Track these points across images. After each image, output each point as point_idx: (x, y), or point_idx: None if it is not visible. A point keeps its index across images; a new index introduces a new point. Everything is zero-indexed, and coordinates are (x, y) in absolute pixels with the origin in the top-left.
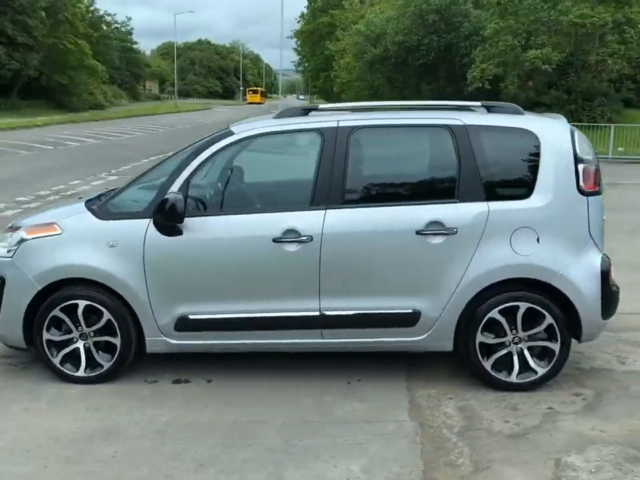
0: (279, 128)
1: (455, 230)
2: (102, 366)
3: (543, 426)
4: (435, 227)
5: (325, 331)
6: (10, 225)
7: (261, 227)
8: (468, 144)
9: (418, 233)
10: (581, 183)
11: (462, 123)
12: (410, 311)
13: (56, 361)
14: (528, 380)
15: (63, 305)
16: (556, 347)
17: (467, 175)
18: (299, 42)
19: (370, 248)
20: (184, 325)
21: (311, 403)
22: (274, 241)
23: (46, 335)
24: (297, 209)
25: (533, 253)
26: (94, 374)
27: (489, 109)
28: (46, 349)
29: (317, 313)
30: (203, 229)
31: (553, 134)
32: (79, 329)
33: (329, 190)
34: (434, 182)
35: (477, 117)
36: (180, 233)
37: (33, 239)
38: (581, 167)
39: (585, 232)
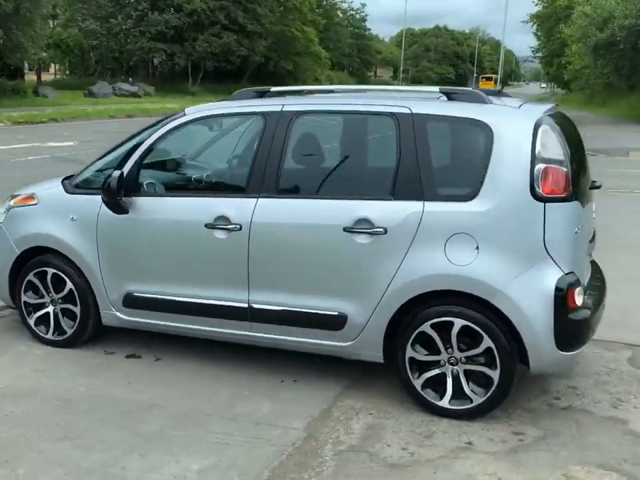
0: (227, 110)
1: (384, 230)
2: (66, 332)
3: (437, 461)
4: (363, 225)
5: (253, 324)
6: (13, 193)
7: (196, 212)
8: (411, 135)
9: (345, 229)
10: (538, 187)
11: (409, 112)
12: (336, 313)
13: (31, 321)
14: (462, 407)
15: (36, 271)
16: (494, 374)
17: (406, 169)
18: (535, 26)
19: (298, 242)
20: (130, 301)
21: (226, 395)
22: (206, 226)
23: (23, 297)
24: (232, 195)
25: (469, 263)
26: (60, 338)
27: (450, 96)
28: (23, 309)
29: (246, 305)
30: (146, 210)
31: (511, 127)
32: (50, 294)
33: (264, 177)
34: (371, 175)
35: (428, 105)
36: (126, 211)
37: (17, 206)
38: (540, 167)
39: (538, 244)
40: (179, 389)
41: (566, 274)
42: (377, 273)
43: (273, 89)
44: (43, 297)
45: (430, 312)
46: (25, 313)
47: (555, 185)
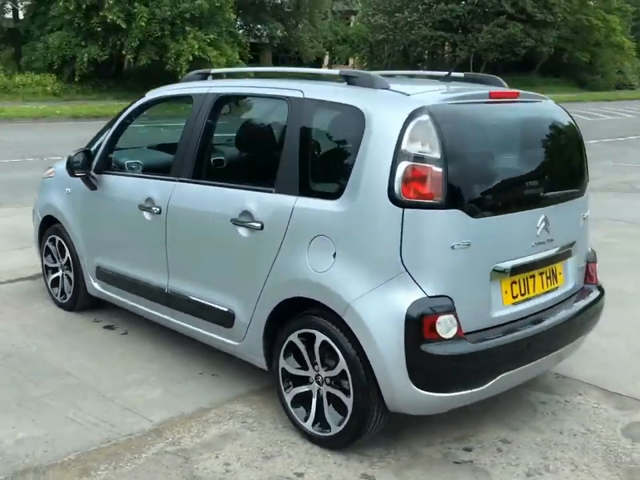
0: (170, 92)
1: (260, 225)
2: (67, 296)
3: None
4: (246, 218)
5: (171, 311)
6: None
7: (134, 192)
8: (299, 122)
9: (231, 221)
10: (398, 188)
11: (301, 96)
12: (226, 309)
13: (48, 283)
14: (322, 434)
15: (50, 237)
16: (349, 403)
17: (288, 160)
18: None
19: (198, 230)
20: (99, 274)
21: (135, 376)
22: (139, 207)
23: (44, 260)
24: (159, 177)
25: (325, 270)
26: (63, 302)
27: (349, 80)
28: (44, 271)
29: (166, 290)
30: (106, 187)
31: (384, 116)
32: (59, 260)
33: (183, 161)
34: (263, 164)
35: (321, 90)
36: (94, 187)
37: (45, 178)
38: (403, 165)
39: (393, 257)
40: (105, 363)
41: (429, 297)
42: (255, 271)
43: (213, 70)
44: (55, 261)
45: (298, 321)
46: (45, 274)
47: (422, 187)
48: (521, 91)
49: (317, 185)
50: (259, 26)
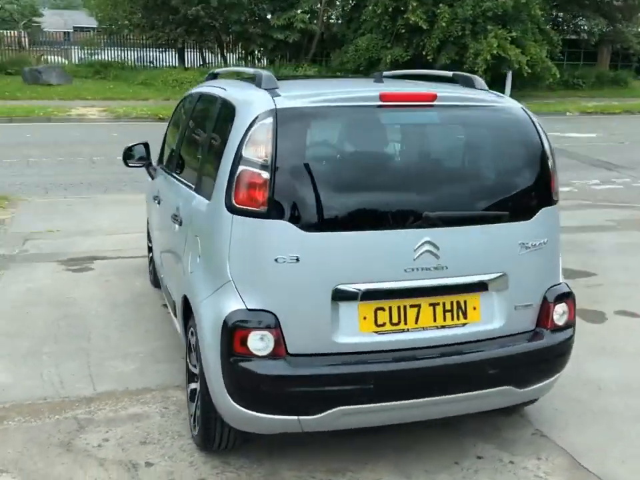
0: (192, 91)
1: (180, 222)
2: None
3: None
4: (177, 214)
5: (163, 296)
6: None
7: (153, 185)
8: (215, 120)
9: (171, 216)
10: (232, 193)
11: (222, 95)
12: (174, 300)
13: (147, 261)
14: (194, 433)
15: (148, 221)
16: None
17: (203, 157)
18: None
19: (162, 221)
20: (155, 257)
21: (129, 352)
22: (153, 198)
23: (147, 241)
24: (166, 172)
25: (192, 271)
26: (151, 278)
27: (254, 79)
28: (148, 251)
29: (161, 275)
30: (156, 178)
31: (242, 116)
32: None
33: (172, 156)
34: (197, 163)
35: (235, 88)
36: (152, 177)
37: None
38: (239, 169)
39: (224, 265)
40: (125, 335)
41: (248, 309)
42: (179, 267)
43: (217, 70)
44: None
45: (191, 319)
46: (148, 253)
47: (250, 194)
48: (440, 94)
49: (207, 184)
50: (580, 21)
